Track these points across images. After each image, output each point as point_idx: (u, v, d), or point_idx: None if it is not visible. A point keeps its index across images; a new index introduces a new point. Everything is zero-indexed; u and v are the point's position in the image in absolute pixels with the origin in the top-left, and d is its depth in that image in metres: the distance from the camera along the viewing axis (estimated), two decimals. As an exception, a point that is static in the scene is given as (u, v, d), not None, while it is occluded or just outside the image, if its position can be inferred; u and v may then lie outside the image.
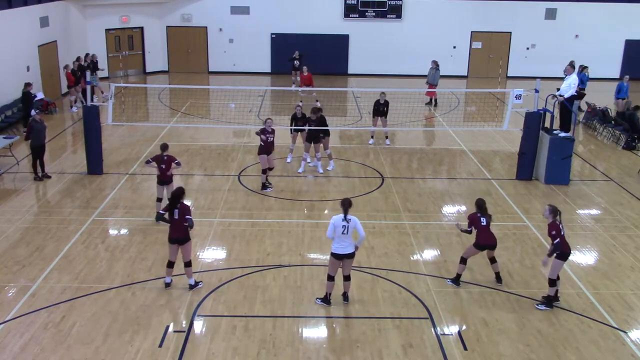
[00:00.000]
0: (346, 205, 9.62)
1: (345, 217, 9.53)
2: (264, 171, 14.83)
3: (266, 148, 14.69)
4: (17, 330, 9.13)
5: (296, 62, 26.87)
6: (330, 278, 9.85)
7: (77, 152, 17.72)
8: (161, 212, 10.42)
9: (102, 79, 26.26)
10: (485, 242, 10.34)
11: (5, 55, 20.38)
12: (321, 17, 30.32)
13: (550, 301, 9.87)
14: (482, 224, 10.30)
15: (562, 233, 9.72)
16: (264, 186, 14.92)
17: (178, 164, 12.59)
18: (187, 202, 13.97)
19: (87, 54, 24.57)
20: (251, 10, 30.36)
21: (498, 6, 30.31)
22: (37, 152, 15.31)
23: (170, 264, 10.30)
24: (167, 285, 10.44)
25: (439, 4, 30.27)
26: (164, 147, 12.66)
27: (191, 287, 10.36)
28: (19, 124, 19.85)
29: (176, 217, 10.00)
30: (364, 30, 30.57)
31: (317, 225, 12.91)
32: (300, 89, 24.26)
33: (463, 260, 10.58)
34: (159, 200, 12.83)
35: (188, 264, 10.23)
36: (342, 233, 9.54)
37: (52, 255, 11.48)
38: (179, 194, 10.13)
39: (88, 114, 15.48)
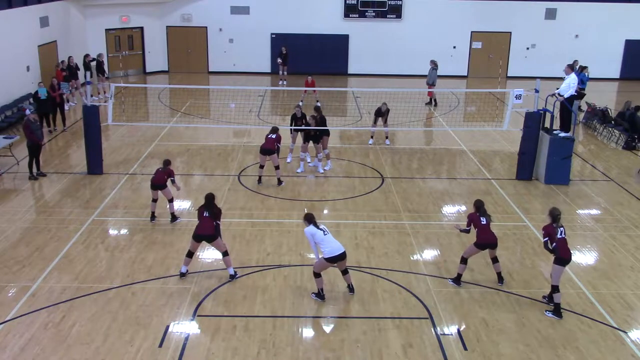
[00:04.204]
0: (312, 219, 9.97)
1: (317, 227, 9.89)
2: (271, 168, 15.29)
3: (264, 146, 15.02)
4: (17, 330, 9.13)
5: (279, 60, 27.71)
6: (317, 275, 9.99)
7: (77, 152, 17.71)
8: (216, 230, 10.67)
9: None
10: (486, 240, 10.33)
11: (5, 55, 20.38)
12: (321, 17, 30.32)
13: (558, 310, 9.79)
14: (482, 223, 10.31)
15: (560, 237, 9.67)
16: (279, 181, 15.29)
17: (172, 181, 12.88)
18: (187, 202, 14.07)
19: (86, 55, 24.56)
20: (251, 10, 30.35)
21: (498, 6, 30.31)
22: (34, 151, 15.30)
23: (190, 254, 10.60)
24: (182, 275, 10.64)
25: (439, 4, 30.27)
26: (164, 162, 12.92)
27: (232, 277, 10.63)
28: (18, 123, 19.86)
29: (206, 215, 10.42)
30: (364, 30, 30.56)
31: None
32: (302, 88, 24.24)
33: (463, 260, 10.58)
34: (154, 200, 13.00)
35: (225, 254, 10.61)
36: (324, 234, 9.84)
37: (52, 255, 11.48)
38: (213, 197, 10.65)
39: (88, 114, 15.48)
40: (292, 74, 28.14)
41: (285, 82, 27.60)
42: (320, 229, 9.88)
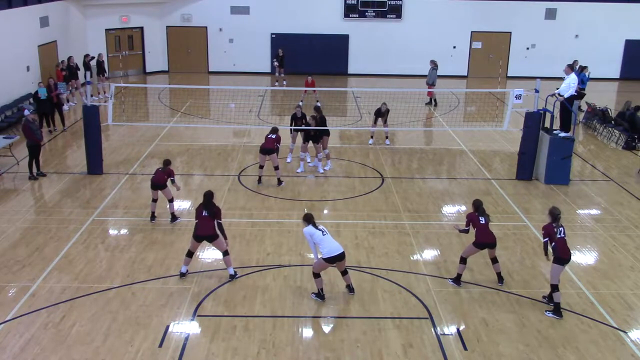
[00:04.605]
0: (311, 220, 9.96)
1: (315, 227, 9.87)
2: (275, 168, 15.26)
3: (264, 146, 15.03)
4: (17, 330, 9.13)
5: (275, 62, 27.52)
6: (317, 275, 9.99)
7: (77, 152, 17.71)
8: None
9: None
10: (485, 240, 10.34)
11: (5, 55, 20.38)
12: (321, 17, 30.32)
13: (558, 309, 9.79)
14: (481, 222, 10.31)
15: (560, 236, 9.67)
16: (279, 181, 15.29)
17: (172, 181, 12.85)
18: (187, 202, 14.06)
19: (86, 54, 24.54)
20: (251, 10, 30.35)
21: (498, 6, 30.31)
22: (33, 151, 15.30)
23: (190, 254, 10.60)
24: (182, 275, 10.64)
25: (439, 4, 30.27)
26: (164, 162, 12.90)
27: (232, 277, 10.62)
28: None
29: (205, 214, 10.36)
30: (364, 30, 30.57)
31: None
32: (302, 89, 24.22)
33: (463, 260, 10.59)
34: (154, 200, 13.01)
35: (225, 253, 10.59)
36: (323, 235, 9.83)
37: (52, 255, 11.48)
38: (211, 195, 10.54)
39: (88, 114, 15.48)
40: (292, 74, 28.12)
41: (285, 82, 27.51)
42: (319, 229, 9.86)
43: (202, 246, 11.13)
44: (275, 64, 27.64)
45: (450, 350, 8.90)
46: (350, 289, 10.24)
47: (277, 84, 27.87)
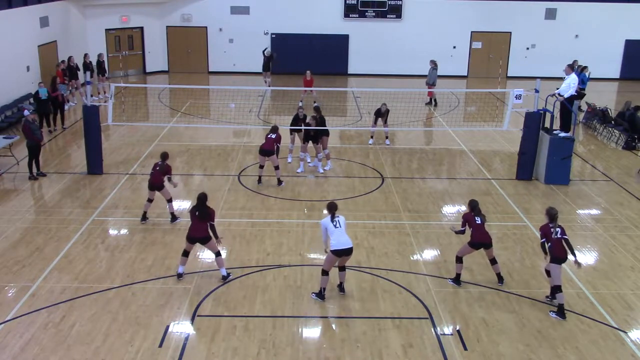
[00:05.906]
0: (333, 209, 9.94)
1: (332, 218, 9.84)
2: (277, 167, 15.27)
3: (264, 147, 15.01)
4: (17, 330, 9.13)
5: (266, 58, 27.06)
6: (325, 273, 9.98)
7: (77, 152, 17.71)
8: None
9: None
10: (480, 240, 10.33)
11: (5, 55, 20.38)
12: (321, 17, 30.32)
13: (562, 311, 9.77)
14: (477, 222, 10.32)
15: (556, 237, 9.67)
16: (279, 181, 15.28)
17: (169, 179, 12.77)
18: (187, 203, 14.05)
19: (85, 54, 24.52)
20: (251, 10, 30.36)
21: (498, 6, 30.32)
22: (34, 151, 15.30)
23: (186, 253, 10.59)
24: (180, 276, 10.61)
25: (439, 4, 30.27)
26: (162, 156, 12.84)
27: (224, 278, 10.58)
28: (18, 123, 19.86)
29: (197, 216, 10.34)
30: (364, 30, 30.57)
31: (317, 225, 12.88)
32: (300, 88, 24.18)
33: (459, 260, 10.59)
34: (149, 201, 12.99)
35: (217, 254, 10.56)
36: (335, 227, 9.77)
37: (52, 255, 11.48)
38: (205, 197, 10.46)
39: (88, 114, 15.48)
40: (292, 74, 28.06)
41: (268, 84, 27.02)
42: (334, 222, 9.82)
43: (200, 247, 11.12)
44: (264, 74, 27.13)
45: (450, 350, 8.90)
46: (341, 288, 10.24)
47: (266, 82, 27.42)
